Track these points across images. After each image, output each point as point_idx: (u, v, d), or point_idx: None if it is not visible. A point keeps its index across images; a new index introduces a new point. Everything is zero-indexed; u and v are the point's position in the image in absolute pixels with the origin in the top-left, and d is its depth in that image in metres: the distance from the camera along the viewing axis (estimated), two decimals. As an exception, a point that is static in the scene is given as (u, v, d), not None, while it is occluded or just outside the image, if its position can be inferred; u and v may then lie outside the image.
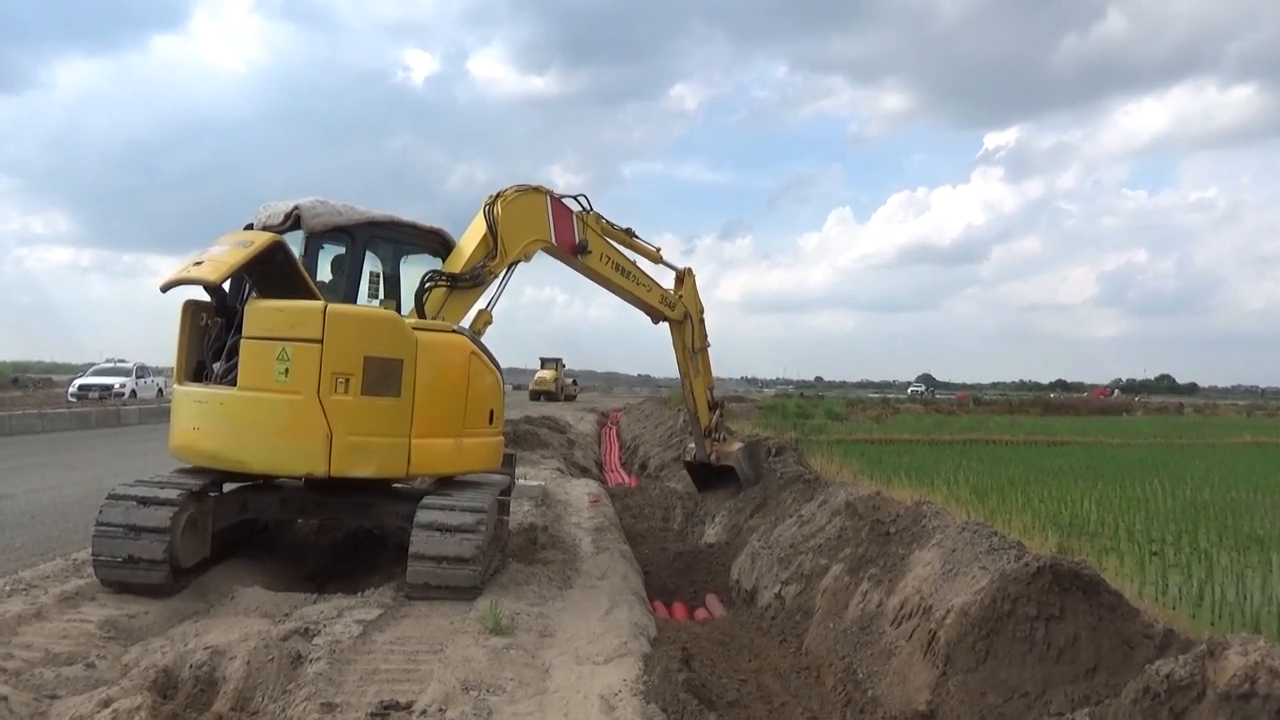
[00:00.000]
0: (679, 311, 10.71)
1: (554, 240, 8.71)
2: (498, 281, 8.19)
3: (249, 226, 7.42)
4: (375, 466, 6.77)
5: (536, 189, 8.59)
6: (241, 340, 6.72)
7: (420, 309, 7.52)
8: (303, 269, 6.94)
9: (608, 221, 9.68)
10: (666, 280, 10.79)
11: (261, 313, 6.70)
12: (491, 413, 7.56)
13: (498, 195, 8.19)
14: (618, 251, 9.75)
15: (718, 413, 11.68)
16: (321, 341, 6.54)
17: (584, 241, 9.02)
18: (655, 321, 10.64)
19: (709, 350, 11.39)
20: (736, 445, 11.88)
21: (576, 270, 9.31)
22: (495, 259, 7.99)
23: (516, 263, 8.37)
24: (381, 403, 6.70)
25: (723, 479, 11.69)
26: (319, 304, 6.67)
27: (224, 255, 6.67)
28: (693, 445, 12.14)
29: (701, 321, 11.16)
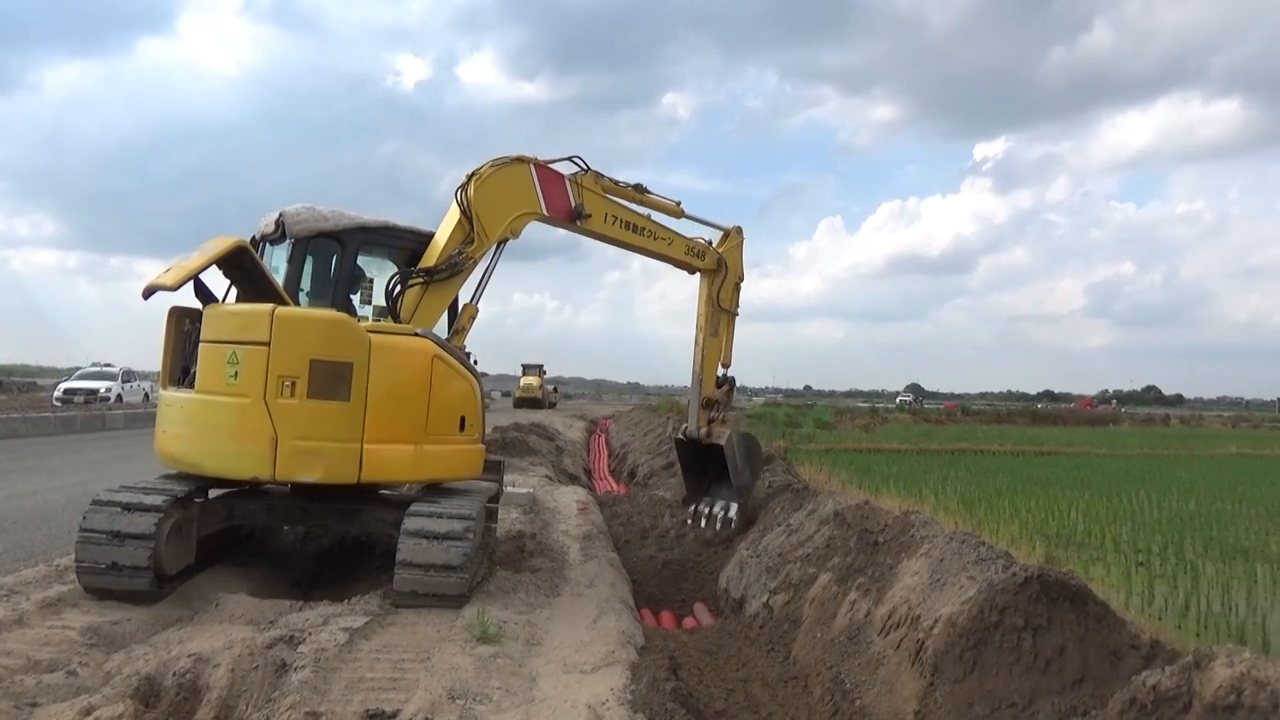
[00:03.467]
0: (710, 260, 10.03)
1: (545, 211, 8.24)
2: (482, 268, 7.87)
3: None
4: (322, 471, 6.63)
5: (518, 159, 8.08)
6: (200, 344, 6.81)
7: (393, 310, 7.34)
8: (269, 272, 6.99)
9: (611, 180, 9.01)
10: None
11: (216, 317, 6.82)
12: (463, 419, 7.24)
13: (472, 174, 7.78)
14: (627, 209, 9.09)
15: (724, 389, 10.66)
16: (268, 344, 6.53)
17: (580, 206, 8.46)
18: (691, 273, 10.10)
19: (735, 321, 10.54)
20: (735, 432, 10.59)
21: (582, 235, 8.82)
22: (473, 244, 7.64)
23: (505, 241, 8.01)
24: (329, 407, 6.57)
25: (714, 471, 10.57)
26: (268, 307, 6.66)
27: (187, 261, 6.74)
28: (687, 425, 10.80)
29: (737, 287, 10.44)
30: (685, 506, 11.18)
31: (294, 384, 6.51)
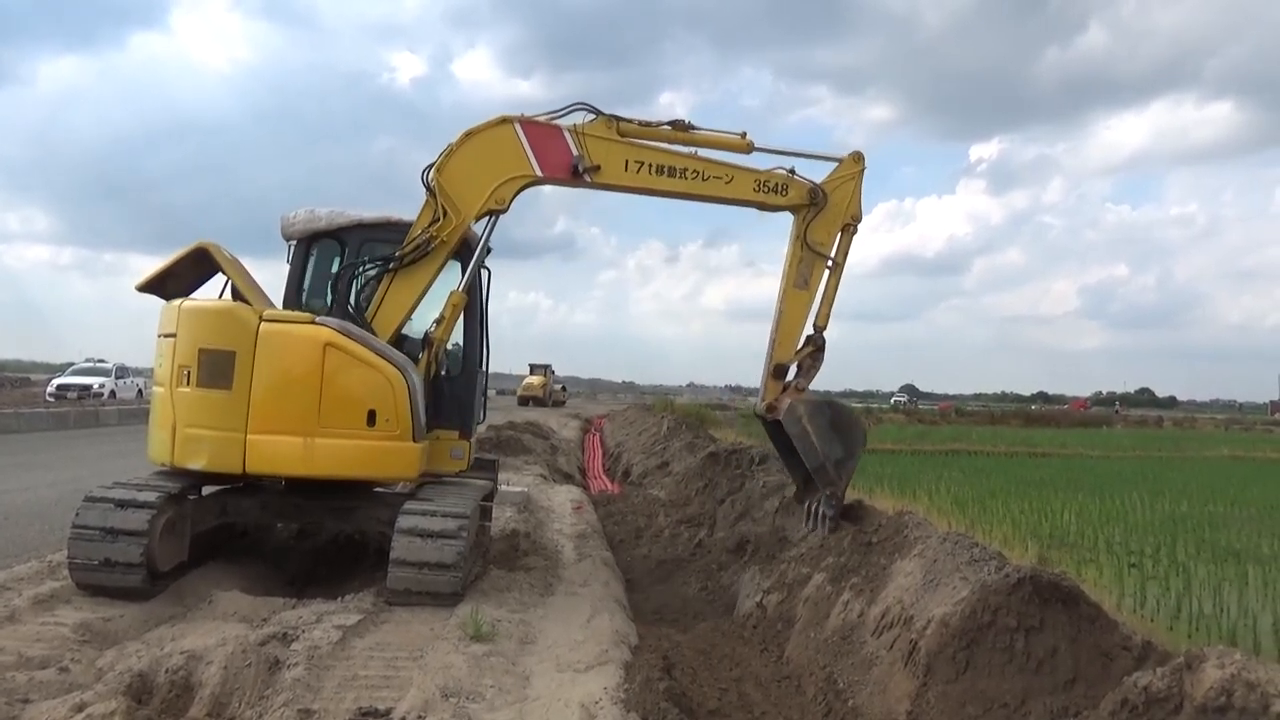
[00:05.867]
0: (796, 194, 8.10)
1: (539, 171, 7.43)
2: (478, 249, 7.46)
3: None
4: (205, 460, 6.69)
5: (502, 119, 7.38)
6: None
7: (341, 302, 7.21)
8: (231, 271, 7.18)
9: (639, 122, 7.81)
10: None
11: (162, 312, 7.17)
12: (372, 413, 6.67)
13: (446, 147, 7.28)
14: (661, 151, 7.80)
15: (808, 351, 8.35)
16: (175, 336, 6.79)
17: (580, 157, 7.45)
18: (773, 211, 8.27)
19: (840, 272, 8.34)
20: (802, 401, 8.15)
21: (603, 190, 7.81)
22: (438, 222, 7.14)
23: (495, 214, 7.40)
24: (214, 395, 6.62)
25: (788, 450, 8.42)
26: (178, 302, 6.96)
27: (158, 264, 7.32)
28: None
29: (847, 229, 8.30)
30: (800, 505, 8.72)
31: (189, 373, 6.68)
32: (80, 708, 4.20)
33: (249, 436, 6.59)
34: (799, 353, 8.35)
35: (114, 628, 5.70)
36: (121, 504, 6.30)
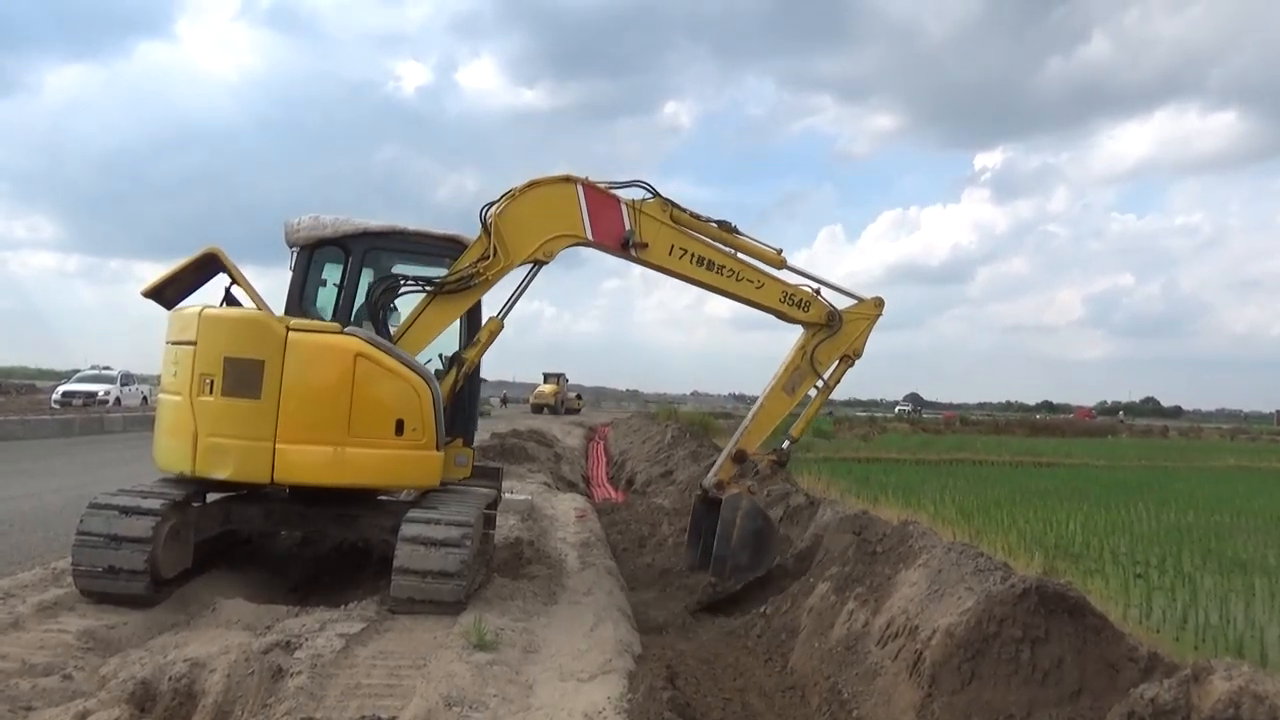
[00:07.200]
0: (816, 313, 8.54)
1: (590, 235, 7.70)
2: (517, 285, 7.66)
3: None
4: (232, 469, 6.64)
5: (566, 178, 7.67)
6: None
7: (374, 316, 7.26)
8: (240, 278, 7.11)
9: (688, 211, 8.13)
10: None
11: (172, 319, 7.13)
12: (400, 423, 6.78)
13: (509, 191, 7.52)
14: (704, 245, 8.15)
15: (771, 458, 8.81)
16: (195, 344, 6.71)
17: (632, 233, 7.77)
18: (805, 326, 8.69)
19: (827, 394, 8.87)
20: (748, 498, 8.53)
21: (644, 267, 8.08)
22: (488, 260, 7.33)
23: (539, 263, 7.63)
24: (240, 404, 6.57)
25: (706, 529, 8.73)
26: (198, 307, 6.88)
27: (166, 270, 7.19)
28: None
29: (846, 359, 8.72)
30: (691, 567, 9.12)
31: (213, 382, 6.61)
32: (83, 715, 4.20)
33: (278, 445, 6.58)
34: (763, 455, 8.75)
35: (117, 635, 5.70)
36: (126, 511, 6.30)
